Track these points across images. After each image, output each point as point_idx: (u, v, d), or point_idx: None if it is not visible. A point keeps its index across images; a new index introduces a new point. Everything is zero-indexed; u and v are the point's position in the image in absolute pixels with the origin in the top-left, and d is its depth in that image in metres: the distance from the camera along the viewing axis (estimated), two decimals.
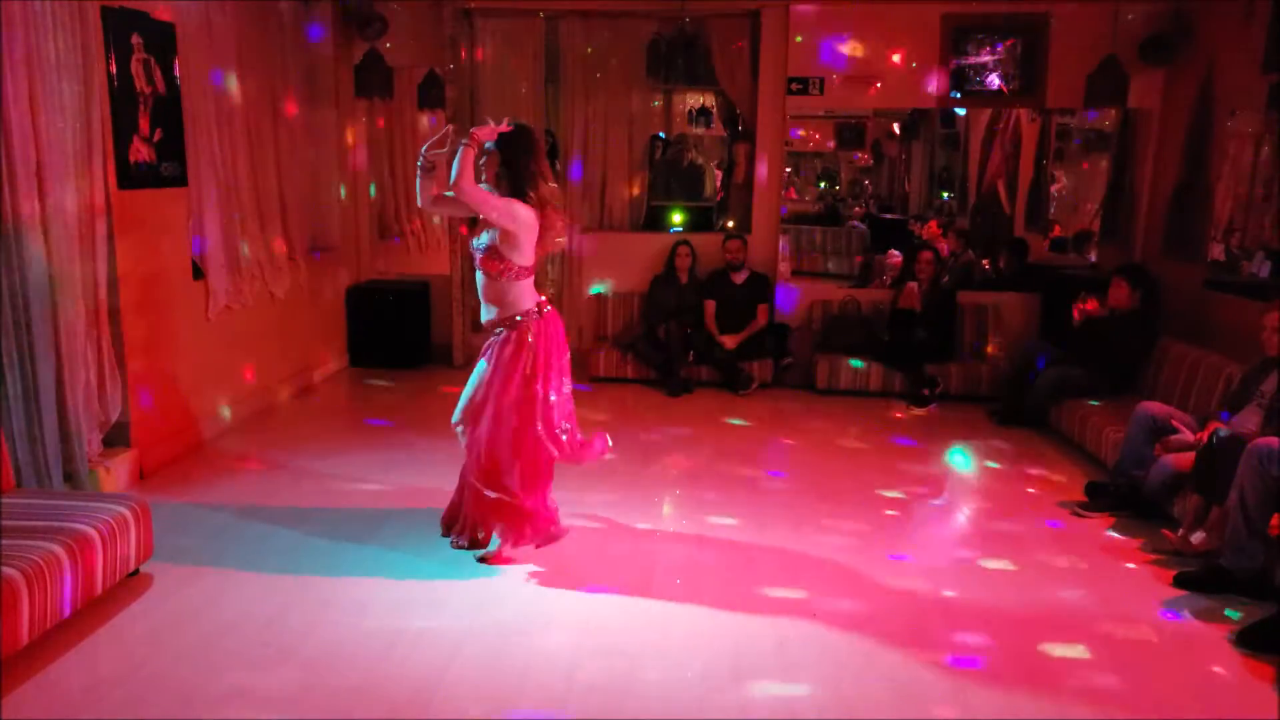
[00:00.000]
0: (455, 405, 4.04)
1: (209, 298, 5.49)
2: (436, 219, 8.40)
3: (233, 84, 5.63)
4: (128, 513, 3.56)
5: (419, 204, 4.09)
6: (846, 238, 10.33)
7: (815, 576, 3.94)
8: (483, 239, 3.87)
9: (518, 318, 3.87)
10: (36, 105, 3.94)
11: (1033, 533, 4.48)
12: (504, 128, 3.76)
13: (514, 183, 3.78)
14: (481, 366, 3.96)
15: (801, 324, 7.32)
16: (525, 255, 3.82)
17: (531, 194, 3.78)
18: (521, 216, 3.75)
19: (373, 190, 7.93)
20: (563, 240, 4.09)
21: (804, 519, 4.56)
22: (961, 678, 3.21)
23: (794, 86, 7.08)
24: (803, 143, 10.83)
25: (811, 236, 10.34)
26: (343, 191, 7.35)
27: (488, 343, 3.98)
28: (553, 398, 3.90)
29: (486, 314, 3.94)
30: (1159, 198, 6.66)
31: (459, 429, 4.05)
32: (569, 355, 4.04)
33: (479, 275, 3.91)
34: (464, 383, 4.05)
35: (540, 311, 3.90)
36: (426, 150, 3.89)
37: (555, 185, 3.95)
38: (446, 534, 4.18)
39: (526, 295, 3.89)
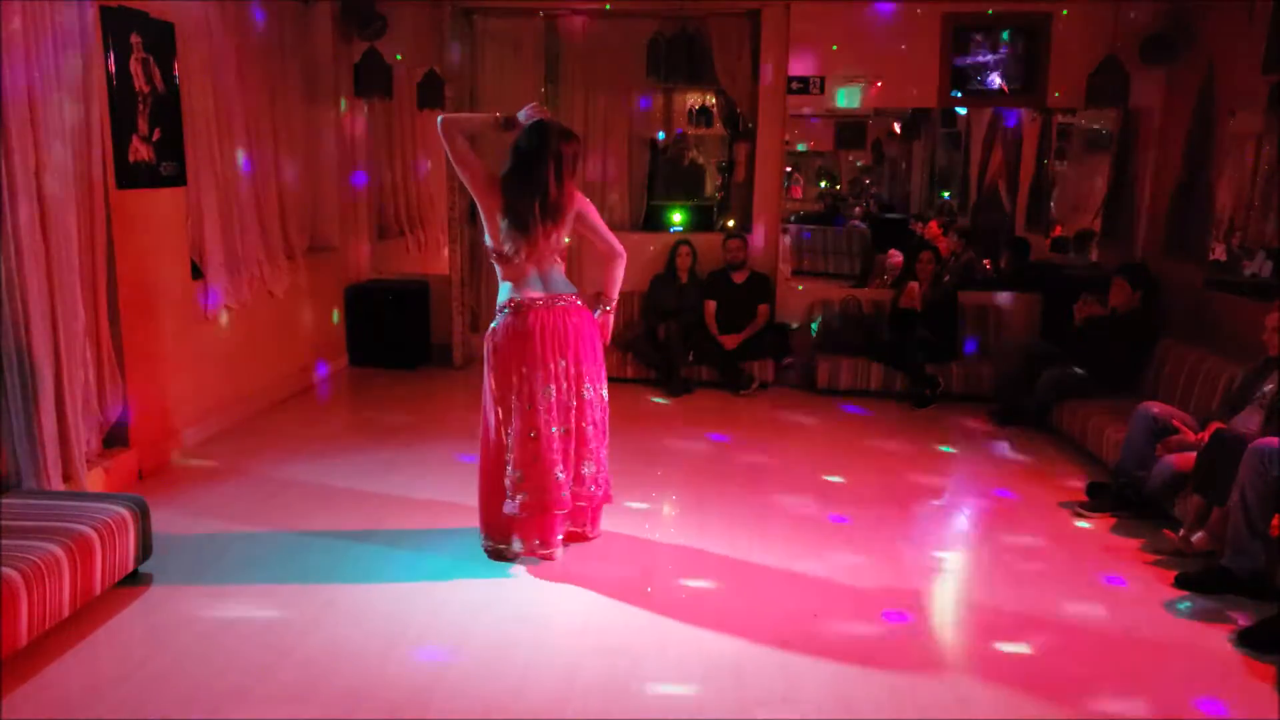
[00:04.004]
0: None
1: (208, 297, 5.49)
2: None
3: (232, 83, 5.62)
4: (127, 513, 3.56)
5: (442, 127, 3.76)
6: (847, 237, 10.32)
7: (816, 576, 3.94)
8: None
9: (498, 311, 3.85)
10: (35, 104, 3.94)
11: (1032, 533, 4.47)
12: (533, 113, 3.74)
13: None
14: None
15: (802, 324, 7.32)
16: (489, 228, 3.79)
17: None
18: (470, 163, 3.69)
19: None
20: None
21: (805, 519, 4.56)
22: (961, 678, 3.20)
23: (794, 86, 7.08)
24: (803, 141, 10.81)
25: (812, 236, 10.33)
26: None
27: None
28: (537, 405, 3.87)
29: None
30: (1160, 197, 6.65)
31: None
32: (546, 370, 3.86)
33: None
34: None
35: (513, 310, 3.81)
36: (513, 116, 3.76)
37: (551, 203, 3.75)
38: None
39: (506, 287, 3.86)
